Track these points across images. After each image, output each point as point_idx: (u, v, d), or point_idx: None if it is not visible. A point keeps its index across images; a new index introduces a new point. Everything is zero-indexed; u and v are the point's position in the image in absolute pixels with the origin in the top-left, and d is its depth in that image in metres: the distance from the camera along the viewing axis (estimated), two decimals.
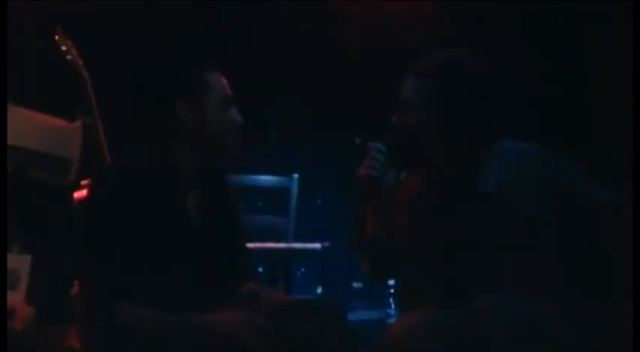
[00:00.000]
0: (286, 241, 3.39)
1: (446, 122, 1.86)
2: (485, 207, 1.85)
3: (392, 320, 3.69)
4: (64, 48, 2.97)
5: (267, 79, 4.07)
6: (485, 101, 1.86)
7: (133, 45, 3.60)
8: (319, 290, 3.74)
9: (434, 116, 1.87)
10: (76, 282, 2.09)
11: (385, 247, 2.04)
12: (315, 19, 4.19)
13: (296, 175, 3.59)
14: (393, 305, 3.86)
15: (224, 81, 1.86)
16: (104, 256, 1.71)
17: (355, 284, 4.24)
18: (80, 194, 2.69)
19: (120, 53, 3.53)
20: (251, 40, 4.13)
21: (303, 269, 4.12)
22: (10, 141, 2.90)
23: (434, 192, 1.97)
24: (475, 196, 1.87)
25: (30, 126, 3.00)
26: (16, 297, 2.78)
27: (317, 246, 3.36)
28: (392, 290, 3.89)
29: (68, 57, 2.97)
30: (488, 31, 3.72)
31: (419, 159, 1.95)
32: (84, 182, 2.80)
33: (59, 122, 3.09)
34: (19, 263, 2.87)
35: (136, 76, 1.94)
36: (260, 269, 3.65)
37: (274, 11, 4.12)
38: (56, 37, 2.98)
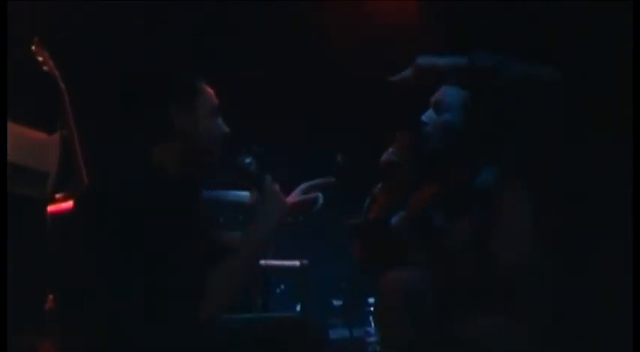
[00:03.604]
0: (265, 258, 3.37)
1: (472, 127, 2.06)
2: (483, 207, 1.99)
3: (371, 339, 3.68)
4: (40, 59, 2.95)
5: (248, 91, 4.07)
6: (509, 117, 2.04)
7: (119, 53, 3.57)
8: (298, 307, 3.72)
9: (461, 120, 2.08)
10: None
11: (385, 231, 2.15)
12: (299, 30, 4.20)
13: None
14: (372, 324, 3.84)
15: (211, 90, 1.92)
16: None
17: (335, 302, 4.22)
18: (54, 207, 2.67)
19: (107, 61, 3.50)
20: (237, 50, 4.13)
21: (282, 286, 4.10)
22: None
23: (442, 190, 2.11)
24: (476, 195, 2.01)
25: (9, 139, 2.97)
26: None
27: (296, 263, 3.34)
28: (371, 308, 3.88)
29: (45, 68, 2.95)
30: (486, 36, 3.73)
31: (438, 156, 2.10)
32: (58, 195, 2.77)
33: (37, 134, 3.07)
34: None
35: (127, 83, 1.95)
36: None
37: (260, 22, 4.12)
38: (33, 47, 2.96)
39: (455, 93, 2.12)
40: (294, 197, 2.02)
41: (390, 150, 2.15)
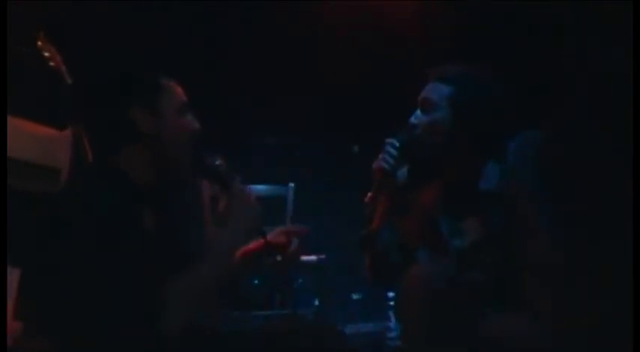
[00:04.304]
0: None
1: (461, 122, 1.99)
2: (491, 207, 1.94)
3: (392, 334, 3.62)
4: (47, 54, 2.90)
5: (262, 84, 4.01)
6: (497, 108, 2.00)
7: (83, 53, 3.51)
8: (316, 302, 3.66)
9: (450, 116, 2.00)
10: None
11: (391, 249, 2.12)
12: (313, 23, 4.13)
13: (292, 184, 3.52)
14: (392, 318, 3.79)
15: (177, 87, 1.84)
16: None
17: (355, 296, 4.16)
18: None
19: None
20: (248, 44, 4.07)
21: (300, 281, 4.05)
22: None
23: (446, 194, 2.06)
24: (482, 196, 1.96)
25: (17, 136, 2.93)
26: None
27: (313, 258, 3.28)
28: (391, 303, 3.82)
29: (51, 63, 2.90)
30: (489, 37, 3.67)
31: (434, 158, 2.04)
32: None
33: (47, 131, 3.03)
34: (7, 276, 2.78)
35: (88, 86, 1.90)
36: (256, 282, 3.58)
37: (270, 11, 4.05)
38: (39, 42, 2.90)
39: (441, 89, 2.02)
40: (273, 236, 1.94)
41: (380, 156, 2.06)
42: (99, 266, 1.61)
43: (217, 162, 1.83)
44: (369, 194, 2.09)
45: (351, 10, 4.03)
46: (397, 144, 2.05)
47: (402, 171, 2.12)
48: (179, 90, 1.83)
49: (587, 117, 2.05)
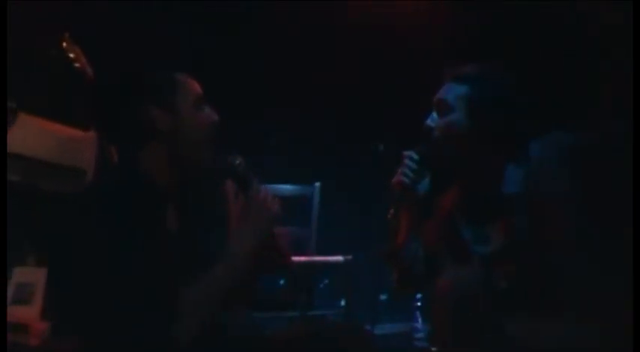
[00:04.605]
0: (308, 253, 3.28)
1: (478, 122, 1.92)
2: (515, 211, 1.88)
3: (419, 335, 3.58)
4: (72, 55, 2.90)
5: (287, 84, 3.99)
6: (514, 106, 1.93)
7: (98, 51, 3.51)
8: (342, 302, 3.63)
9: (466, 117, 1.93)
10: None
11: (416, 261, 2.05)
12: (336, 24, 4.11)
13: (317, 183, 3.49)
14: (419, 319, 3.75)
15: (192, 81, 1.80)
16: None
17: (382, 296, 4.13)
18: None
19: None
20: (270, 45, 4.05)
21: (326, 281, 4.03)
22: (23, 151, 2.87)
23: (467, 199, 2.00)
24: (505, 199, 1.90)
25: (43, 137, 2.94)
26: (30, 312, 2.71)
27: (339, 258, 3.25)
28: (419, 303, 3.79)
29: (77, 65, 2.90)
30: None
31: (454, 161, 1.97)
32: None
33: (73, 132, 3.03)
34: (34, 276, 2.80)
35: (102, 85, 1.87)
36: (281, 282, 3.56)
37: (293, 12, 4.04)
38: (64, 44, 2.90)
39: (456, 89, 1.96)
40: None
41: (400, 170, 1.99)
42: (122, 266, 1.58)
43: (237, 162, 1.79)
44: (391, 210, 2.03)
45: (373, 8, 4.01)
46: (416, 157, 1.98)
47: (424, 183, 2.04)
48: (194, 84, 1.80)
49: (616, 118, 1.99)
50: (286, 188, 3.42)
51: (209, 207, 1.92)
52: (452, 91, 1.95)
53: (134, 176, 1.71)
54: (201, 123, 1.75)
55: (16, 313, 2.65)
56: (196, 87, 1.79)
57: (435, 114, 1.98)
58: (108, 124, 1.84)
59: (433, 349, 2.07)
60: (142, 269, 1.58)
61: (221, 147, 1.79)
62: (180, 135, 1.73)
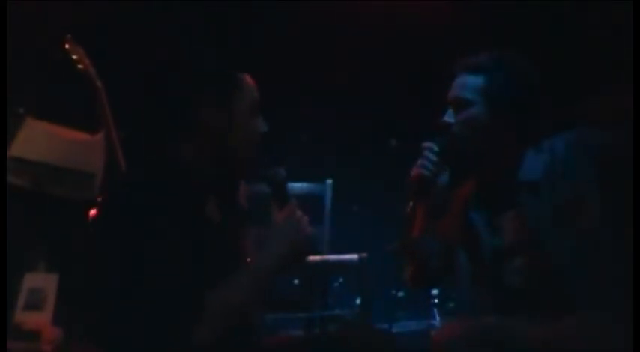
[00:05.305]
0: (322, 252, 3.25)
1: (496, 110, 1.88)
2: (531, 200, 1.83)
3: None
4: (75, 57, 2.88)
5: (298, 80, 3.96)
6: (533, 97, 1.89)
7: (150, 46, 3.48)
8: (358, 301, 3.59)
9: (486, 109, 1.89)
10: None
11: (432, 256, 2.02)
12: (349, 21, 4.08)
13: (330, 181, 3.45)
14: (437, 316, 3.71)
15: (251, 83, 1.71)
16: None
17: (399, 294, 4.09)
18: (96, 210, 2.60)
19: (135, 55, 3.40)
20: (280, 40, 4.02)
21: (341, 280, 3.99)
22: (31, 156, 2.85)
23: (484, 189, 1.96)
24: (521, 187, 1.86)
25: (52, 141, 2.93)
26: (42, 318, 2.69)
27: (354, 257, 3.21)
28: (436, 300, 3.75)
29: (80, 66, 2.89)
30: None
31: (475, 154, 1.92)
32: (100, 198, 2.71)
33: (81, 135, 3.02)
34: (46, 282, 2.78)
35: (155, 81, 1.77)
36: (296, 282, 3.53)
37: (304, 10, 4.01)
38: (67, 46, 2.88)
39: (471, 81, 1.91)
40: None
41: (419, 162, 1.94)
42: (156, 258, 1.51)
43: (281, 174, 1.72)
44: (410, 203, 1.98)
45: (385, 6, 3.97)
46: (436, 149, 1.93)
47: (443, 176, 2.00)
48: (253, 86, 1.70)
49: None
50: (298, 186, 3.39)
51: (250, 210, 1.87)
52: (468, 85, 1.91)
53: (174, 168, 1.63)
54: (253, 132, 1.68)
55: (27, 319, 2.63)
56: (255, 91, 1.70)
57: (450, 110, 1.93)
58: (151, 118, 1.73)
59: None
60: (177, 261, 1.51)
61: (265, 157, 1.73)
62: (229, 143, 1.65)
